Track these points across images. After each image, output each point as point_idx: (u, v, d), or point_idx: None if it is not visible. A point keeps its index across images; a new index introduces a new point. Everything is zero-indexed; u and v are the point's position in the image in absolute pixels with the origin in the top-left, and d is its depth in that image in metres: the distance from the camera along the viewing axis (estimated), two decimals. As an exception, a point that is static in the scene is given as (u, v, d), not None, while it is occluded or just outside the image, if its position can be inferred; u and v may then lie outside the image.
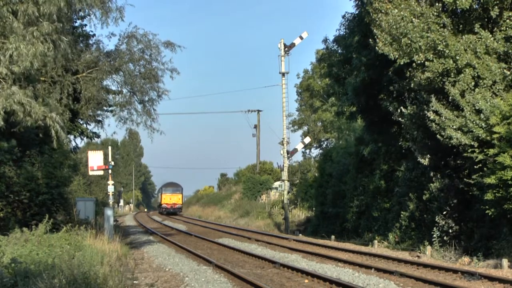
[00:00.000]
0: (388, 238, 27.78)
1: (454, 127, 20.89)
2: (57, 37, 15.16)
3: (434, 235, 22.96)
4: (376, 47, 22.90)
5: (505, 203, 18.85)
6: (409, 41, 21.64)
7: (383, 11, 22.54)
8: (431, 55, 21.46)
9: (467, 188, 21.95)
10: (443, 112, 21.35)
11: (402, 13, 21.88)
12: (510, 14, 20.95)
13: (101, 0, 18.23)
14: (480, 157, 19.99)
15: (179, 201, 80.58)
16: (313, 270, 17.50)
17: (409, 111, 24.34)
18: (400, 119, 25.34)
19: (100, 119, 28.58)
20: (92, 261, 15.00)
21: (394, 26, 21.96)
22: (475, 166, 20.25)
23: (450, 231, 23.43)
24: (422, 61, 21.66)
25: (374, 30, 23.06)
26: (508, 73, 20.56)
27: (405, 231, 27.08)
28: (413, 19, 21.75)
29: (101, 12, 18.69)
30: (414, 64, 22.23)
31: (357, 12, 29.75)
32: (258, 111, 74.57)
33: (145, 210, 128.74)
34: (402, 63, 22.47)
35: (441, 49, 21.15)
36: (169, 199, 79.53)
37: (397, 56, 22.31)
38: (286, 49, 43.30)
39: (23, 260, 13.41)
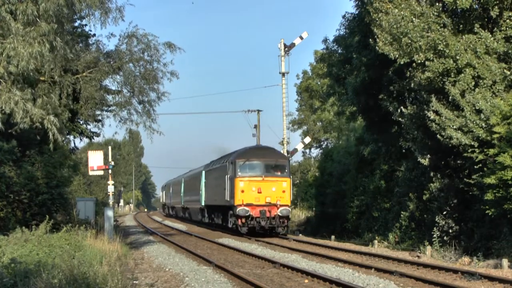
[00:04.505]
0: (388, 238, 27.79)
1: (454, 127, 20.90)
2: (53, 38, 15.14)
3: (434, 235, 22.95)
4: (376, 47, 22.92)
5: (505, 203, 18.85)
6: (409, 41, 21.65)
7: (383, 11, 22.56)
8: (431, 55, 21.47)
9: (467, 188, 21.96)
10: (443, 112, 21.35)
11: (402, 12, 21.90)
12: (510, 14, 20.96)
13: (100, 0, 18.20)
14: (480, 157, 20.00)
15: (284, 198, 31.61)
16: (313, 270, 17.48)
17: (409, 111, 24.36)
18: (400, 119, 25.35)
19: (100, 118, 28.58)
20: (92, 261, 14.99)
21: (395, 26, 21.97)
22: (475, 166, 20.26)
23: (450, 231, 23.43)
24: (422, 61, 21.66)
25: (375, 29, 23.07)
26: (508, 73, 20.57)
27: (405, 231, 27.10)
28: (413, 18, 21.76)
29: (100, 12, 18.67)
30: (414, 64, 22.24)
31: (357, 12, 29.79)
32: (258, 111, 74.34)
33: (145, 210, 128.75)
34: (402, 62, 22.48)
35: (441, 49, 21.16)
36: (257, 191, 31.35)
37: (397, 56, 22.32)
38: (286, 49, 43.38)
39: (23, 260, 13.40)
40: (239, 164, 32.01)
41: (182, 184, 53.56)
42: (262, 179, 31.49)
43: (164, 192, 74.89)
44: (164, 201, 74.62)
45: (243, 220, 31.25)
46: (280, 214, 31.08)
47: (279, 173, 32.12)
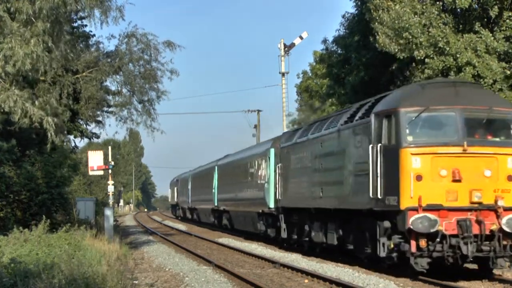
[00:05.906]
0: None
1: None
2: (48, 38, 15.10)
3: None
4: (376, 44, 22.96)
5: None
6: (410, 36, 21.68)
7: (384, 8, 22.59)
8: (432, 52, 21.50)
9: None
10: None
11: (403, 9, 21.96)
12: (510, 14, 20.98)
13: (99, -1, 18.16)
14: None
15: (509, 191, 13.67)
16: (313, 270, 17.44)
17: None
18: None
19: (100, 119, 28.58)
20: (91, 261, 14.97)
21: (396, 21, 21.99)
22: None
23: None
24: (422, 58, 21.69)
25: (375, 24, 23.07)
26: (509, 72, 20.58)
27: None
28: (415, 15, 21.84)
29: (100, 11, 18.63)
30: (414, 62, 22.28)
31: (356, 12, 29.82)
32: (258, 111, 74.32)
33: (145, 210, 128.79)
34: (402, 57, 22.50)
35: (442, 46, 21.19)
36: (450, 179, 13.84)
37: (397, 51, 22.31)
38: (286, 49, 43.33)
39: (23, 260, 13.38)
40: (408, 118, 14.45)
41: (215, 176, 36.20)
42: (462, 151, 14.29)
43: (175, 188, 55.80)
44: (176, 200, 56.36)
45: (423, 242, 14.11)
46: (507, 229, 14.20)
47: (496, 139, 14.88)
